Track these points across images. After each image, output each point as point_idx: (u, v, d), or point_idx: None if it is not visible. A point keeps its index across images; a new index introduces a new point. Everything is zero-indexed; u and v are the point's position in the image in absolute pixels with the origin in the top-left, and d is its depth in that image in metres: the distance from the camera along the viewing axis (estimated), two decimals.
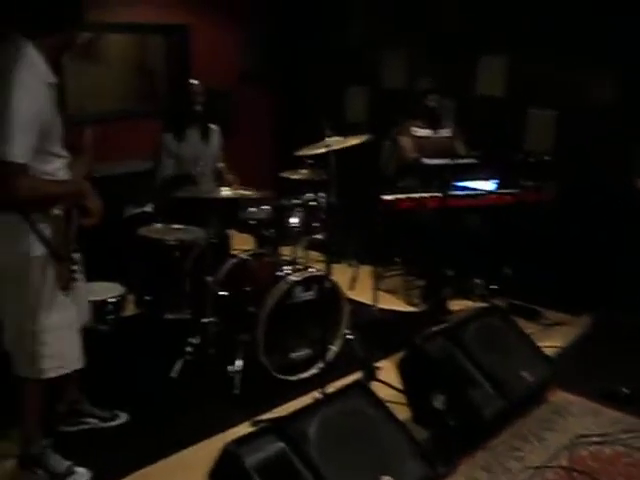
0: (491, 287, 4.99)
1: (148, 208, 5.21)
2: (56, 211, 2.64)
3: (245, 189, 3.89)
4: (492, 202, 4.50)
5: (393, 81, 6.31)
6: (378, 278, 4.89)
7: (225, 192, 3.74)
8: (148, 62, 6.98)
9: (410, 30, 6.05)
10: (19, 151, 2.42)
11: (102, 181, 5.09)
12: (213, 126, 4.76)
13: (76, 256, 2.87)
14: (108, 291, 4.45)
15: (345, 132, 3.90)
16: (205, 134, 4.67)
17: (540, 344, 3.89)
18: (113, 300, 4.45)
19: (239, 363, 3.66)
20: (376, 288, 4.75)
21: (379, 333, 4.49)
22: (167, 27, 6.27)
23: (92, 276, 4.42)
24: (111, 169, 5.19)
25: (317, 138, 4.23)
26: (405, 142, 4.97)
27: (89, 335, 3.34)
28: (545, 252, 5.02)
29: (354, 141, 3.99)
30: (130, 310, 4.42)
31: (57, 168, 2.67)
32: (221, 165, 4.77)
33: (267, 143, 7.15)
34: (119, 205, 5.18)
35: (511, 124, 5.41)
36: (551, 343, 4.31)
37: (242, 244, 4.49)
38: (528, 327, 4.21)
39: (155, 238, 3.98)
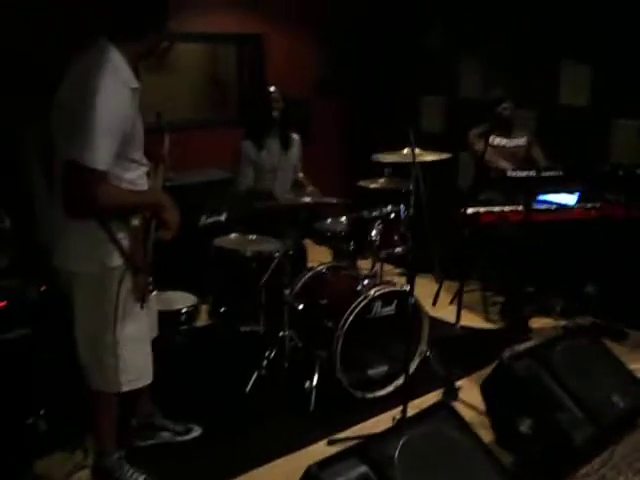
0: (574, 305, 4.79)
1: (223, 217, 5.19)
2: (135, 222, 2.58)
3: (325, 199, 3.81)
4: (577, 217, 4.32)
5: (470, 90, 6.16)
6: (458, 293, 4.74)
7: (305, 199, 3.66)
8: (220, 72, 7.00)
9: (488, 37, 5.90)
10: (100, 157, 2.35)
11: (177, 190, 5.15)
12: (294, 135, 4.70)
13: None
14: (181, 301, 4.42)
15: (421, 142, 3.82)
16: (285, 143, 4.61)
17: (629, 367, 3.69)
18: (186, 310, 4.44)
19: (315, 379, 3.56)
20: (458, 304, 4.58)
21: (458, 350, 4.34)
22: (241, 36, 6.27)
23: (165, 285, 4.42)
24: (186, 178, 5.20)
25: (395, 147, 4.19)
26: (488, 153, 4.81)
27: (162, 345, 3.31)
28: (632, 270, 4.78)
29: (434, 157, 3.90)
30: (203, 320, 4.38)
31: (137, 176, 2.63)
32: (300, 175, 4.71)
33: (343, 152, 7.11)
34: (194, 214, 5.17)
35: (595, 135, 5.20)
36: None
37: (319, 256, 4.42)
38: (615, 348, 3.98)
39: (231, 249, 3.92)
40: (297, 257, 4.09)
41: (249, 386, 3.69)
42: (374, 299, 3.58)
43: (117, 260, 2.56)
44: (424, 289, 5.03)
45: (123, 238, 2.56)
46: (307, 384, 3.57)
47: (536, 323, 4.72)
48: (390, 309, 3.67)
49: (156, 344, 2.97)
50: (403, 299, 3.63)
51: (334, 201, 3.81)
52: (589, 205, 4.34)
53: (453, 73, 6.27)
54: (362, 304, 3.53)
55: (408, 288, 3.42)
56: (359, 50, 6.85)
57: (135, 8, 2.51)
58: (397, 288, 3.70)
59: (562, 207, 4.31)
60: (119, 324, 2.60)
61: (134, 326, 2.67)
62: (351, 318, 3.50)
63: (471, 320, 4.87)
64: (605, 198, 4.33)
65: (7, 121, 4.35)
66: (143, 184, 2.67)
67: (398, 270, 4.61)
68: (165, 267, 5.03)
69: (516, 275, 4.66)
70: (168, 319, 4.35)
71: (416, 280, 3.33)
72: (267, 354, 3.78)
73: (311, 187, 4.61)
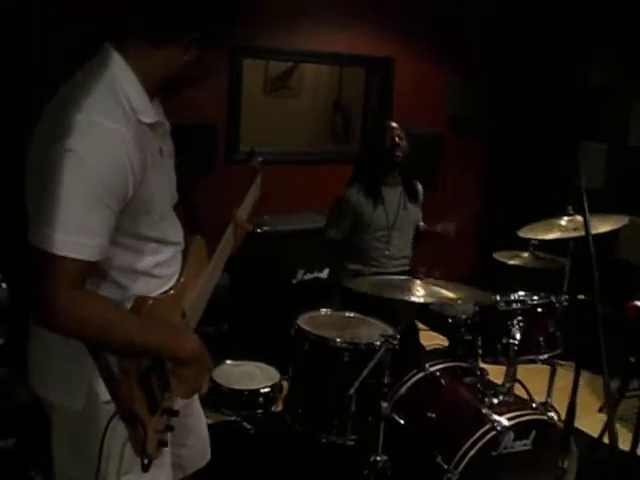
0: None
1: (324, 275, 4.32)
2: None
3: (457, 286, 2.79)
4: None
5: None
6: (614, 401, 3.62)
7: (420, 291, 2.66)
8: (344, 98, 6.23)
9: None
10: (74, 239, 1.44)
11: (271, 237, 4.40)
12: (418, 184, 3.77)
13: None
14: (261, 377, 3.68)
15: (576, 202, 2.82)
16: (409, 195, 3.68)
17: None
18: (266, 390, 3.63)
19: None
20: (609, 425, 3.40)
21: None
22: (369, 59, 5.39)
23: (245, 352, 3.87)
24: (285, 223, 4.39)
25: (547, 211, 3.18)
26: None
27: (231, 432, 3.03)
28: None
29: (607, 227, 2.87)
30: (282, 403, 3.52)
31: (157, 263, 1.69)
32: (421, 224, 3.74)
33: (478, 208, 5.99)
34: (291, 267, 4.34)
35: None
36: None
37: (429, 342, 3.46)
38: None
39: (316, 335, 2.99)
40: (406, 345, 3.11)
41: None
42: (505, 430, 2.56)
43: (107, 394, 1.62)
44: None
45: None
46: None
47: None
48: (525, 443, 2.64)
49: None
50: (545, 429, 2.60)
51: (460, 301, 2.80)
52: None
53: (620, 116, 5.09)
54: (488, 437, 2.52)
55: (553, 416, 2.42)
56: (505, 85, 5.77)
57: None
58: (540, 415, 2.66)
59: None
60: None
61: None
62: (470, 455, 2.50)
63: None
64: None
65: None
66: (168, 274, 1.75)
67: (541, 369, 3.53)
68: (247, 330, 4.33)
69: None
70: (242, 399, 3.62)
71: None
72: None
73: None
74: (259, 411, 3.63)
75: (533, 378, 3.38)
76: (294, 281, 4.29)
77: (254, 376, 3.79)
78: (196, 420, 2.09)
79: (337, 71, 6.41)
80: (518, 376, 3.04)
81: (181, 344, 1.67)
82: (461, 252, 4.65)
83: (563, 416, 2.80)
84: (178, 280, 1.77)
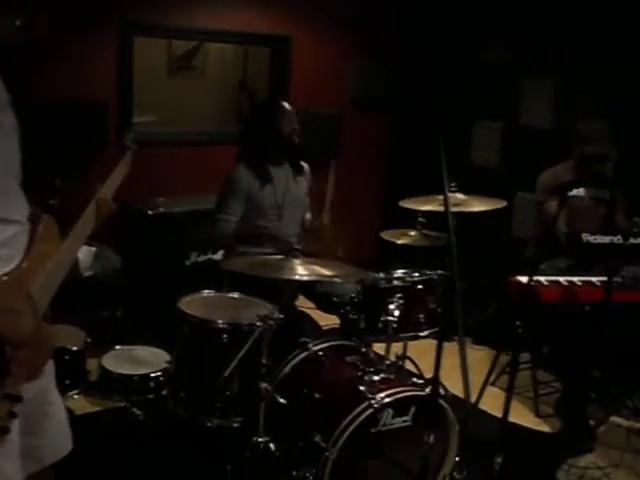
0: None
1: (218, 256, 4.25)
2: None
3: (336, 264, 2.78)
4: None
5: (535, 118, 5.08)
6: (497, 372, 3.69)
7: (299, 270, 2.64)
8: (250, 77, 6.15)
9: (563, 53, 4.80)
10: None
11: (165, 219, 4.31)
12: (305, 165, 3.74)
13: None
14: (153, 361, 3.68)
15: (470, 181, 2.92)
16: (295, 174, 3.66)
17: None
18: (157, 375, 3.59)
19: None
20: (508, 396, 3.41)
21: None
22: (273, 38, 5.32)
23: (139, 336, 3.93)
24: (181, 204, 4.30)
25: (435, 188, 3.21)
26: (551, 209, 3.73)
27: (120, 418, 3.01)
28: None
29: (485, 206, 2.92)
30: None
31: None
32: (308, 217, 3.70)
33: (374, 186, 6.02)
34: (184, 249, 4.26)
35: None
36: None
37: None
38: None
39: (196, 317, 2.93)
40: (291, 328, 3.09)
41: None
42: (383, 407, 2.57)
43: None
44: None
45: None
46: None
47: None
48: (405, 419, 2.65)
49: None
50: (424, 405, 2.62)
51: (342, 278, 2.81)
52: None
53: (514, 95, 5.18)
54: (365, 415, 2.52)
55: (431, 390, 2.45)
56: (404, 64, 5.80)
57: None
58: (417, 391, 2.67)
59: None
60: None
61: None
62: (347, 433, 2.49)
63: (518, 414, 3.77)
64: None
65: None
66: (11, 256, 1.62)
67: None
68: (138, 314, 4.24)
69: (580, 359, 3.58)
70: (132, 384, 3.56)
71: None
72: (235, 461, 2.78)
73: (327, 229, 3.60)
74: (150, 396, 3.59)
75: (426, 352, 3.41)
76: (187, 263, 4.22)
77: (145, 361, 3.73)
78: (55, 408, 2.00)
79: (242, 50, 6.31)
80: (411, 353, 3.06)
81: (20, 326, 1.59)
82: (364, 232, 4.66)
83: (452, 391, 2.86)
84: (22, 261, 1.68)
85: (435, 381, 2.21)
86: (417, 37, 5.74)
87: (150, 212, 4.17)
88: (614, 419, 3.77)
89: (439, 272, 2.88)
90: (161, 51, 6.08)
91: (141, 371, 3.61)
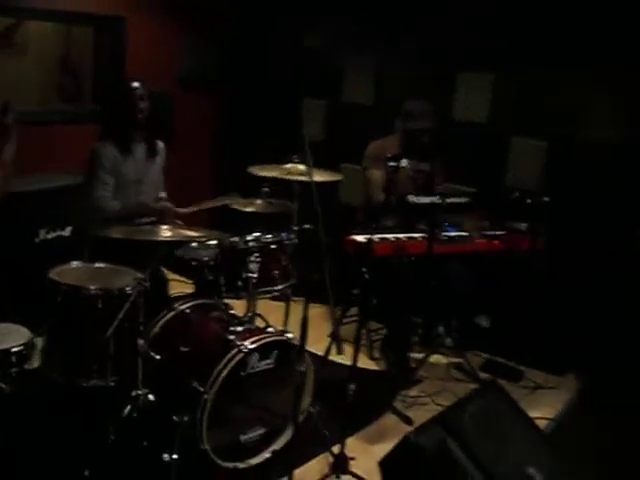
0: (462, 339, 4.35)
1: (66, 232, 4.36)
2: None
3: (189, 228, 3.09)
4: (479, 248, 3.86)
5: (357, 95, 5.57)
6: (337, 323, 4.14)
7: (166, 233, 2.93)
8: (73, 57, 6.12)
9: (381, 35, 5.33)
10: None
11: (13, 199, 4.32)
12: (160, 143, 3.96)
13: None
14: (11, 336, 3.61)
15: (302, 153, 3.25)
16: (151, 151, 3.86)
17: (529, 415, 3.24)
18: (18, 349, 3.65)
19: (175, 449, 2.86)
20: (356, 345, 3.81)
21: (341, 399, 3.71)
22: (98, 18, 5.38)
23: None
24: (25, 184, 4.32)
25: (273, 160, 3.64)
26: (375, 176, 4.20)
27: None
28: (529, 304, 4.35)
29: (325, 177, 3.33)
30: (38, 360, 3.55)
31: None
32: (163, 195, 3.91)
33: (213, 161, 6.31)
34: (31, 228, 4.31)
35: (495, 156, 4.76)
36: (540, 414, 3.74)
37: (180, 290, 3.70)
38: (512, 391, 3.55)
39: (69, 285, 3.11)
40: (157, 291, 3.35)
41: (90, 464, 2.91)
42: (250, 352, 2.92)
43: None
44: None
45: None
46: (166, 456, 2.86)
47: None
48: (269, 362, 3.03)
49: None
50: (285, 349, 3.02)
51: (203, 238, 3.11)
52: (494, 234, 3.91)
53: (338, 74, 5.65)
54: (236, 359, 2.87)
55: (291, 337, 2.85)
56: (235, 43, 6.11)
57: None
58: (279, 337, 3.06)
59: (465, 238, 3.84)
60: None
61: None
62: (222, 377, 2.83)
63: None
64: (512, 228, 3.88)
65: None
66: None
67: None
68: None
69: (402, 304, 4.11)
70: None
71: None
72: (116, 418, 3.01)
73: (173, 208, 3.84)
74: (13, 369, 3.66)
75: (272, 312, 3.80)
76: (37, 240, 4.28)
77: (3, 337, 3.77)
78: None
79: (64, 29, 6.27)
80: (259, 311, 3.43)
81: None
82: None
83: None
84: None
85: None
86: (249, 17, 6.07)
87: None
88: (437, 356, 4.38)
89: (295, 229, 3.24)
90: None
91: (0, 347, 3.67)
